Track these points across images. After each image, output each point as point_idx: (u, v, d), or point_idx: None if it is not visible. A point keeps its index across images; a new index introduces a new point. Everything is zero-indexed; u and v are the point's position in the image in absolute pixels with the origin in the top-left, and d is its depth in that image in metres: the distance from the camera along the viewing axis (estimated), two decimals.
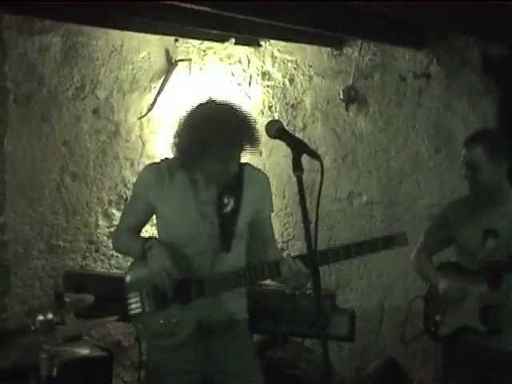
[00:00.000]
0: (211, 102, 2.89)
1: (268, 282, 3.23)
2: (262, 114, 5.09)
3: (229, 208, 2.94)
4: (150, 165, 3.13)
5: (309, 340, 4.22)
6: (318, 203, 2.22)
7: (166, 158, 3.04)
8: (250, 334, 3.19)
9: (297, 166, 2.25)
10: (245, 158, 2.90)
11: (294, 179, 2.26)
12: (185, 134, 2.82)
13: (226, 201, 2.95)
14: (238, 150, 2.82)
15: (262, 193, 3.04)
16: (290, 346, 4.20)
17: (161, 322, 2.93)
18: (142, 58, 5.08)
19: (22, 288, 4.72)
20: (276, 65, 5.16)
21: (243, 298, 3.09)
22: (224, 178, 2.89)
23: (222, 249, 2.93)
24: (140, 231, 3.14)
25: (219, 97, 2.94)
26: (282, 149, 2.54)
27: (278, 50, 5.16)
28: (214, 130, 2.72)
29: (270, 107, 5.14)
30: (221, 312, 2.96)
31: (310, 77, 5.07)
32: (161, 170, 2.99)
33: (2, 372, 2.80)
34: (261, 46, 5.22)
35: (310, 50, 5.04)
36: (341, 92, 4.91)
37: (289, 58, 5.12)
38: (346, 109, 4.95)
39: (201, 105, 2.87)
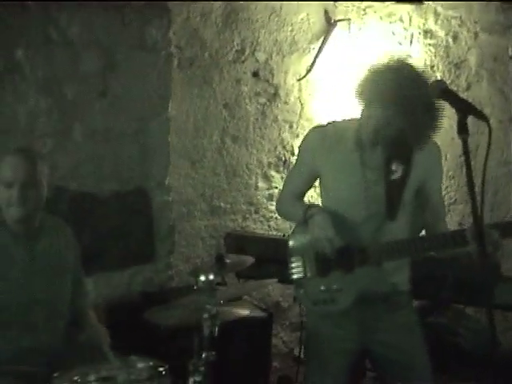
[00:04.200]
0: (397, 60, 2.86)
1: None
2: None
3: (396, 174, 2.83)
4: (315, 128, 3.06)
5: (470, 307, 4.10)
6: (484, 167, 2.11)
7: (333, 121, 2.99)
8: (412, 304, 3.11)
9: (462, 129, 2.13)
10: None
11: (457, 141, 2.16)
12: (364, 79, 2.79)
13: (393, 167, 2.84)
14: (399, 111, 2.67)
15: (432, 161, 2.91)
16: (451, 313, 4.10)
17: (322, 288, 2.92)
18: (301, 19, 5.04)
19: (186, 247, 4.88)
20: (439, 22, 4.96)
21: (407, 269, 3.01)
22: (383, 134, 2.75)
23: (387, 217, 2.84)
24: (304, 196, 3.12)
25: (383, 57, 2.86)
26: (445, 109, 2.43)
27: (442, 6, 4.95)
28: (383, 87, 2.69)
29: (432, 67, 4.96)
30: (383, 283, 2.89)
31: (476, 33, 4.84)
32: (326, 133, 2.93)
33: (167, 329, 2.91)
34: (423, 2, 5.03)
35: (475, 4, 4.80)
36: (509, 48, 4.66)
37: (453, 14, 4.90)
38: None
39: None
